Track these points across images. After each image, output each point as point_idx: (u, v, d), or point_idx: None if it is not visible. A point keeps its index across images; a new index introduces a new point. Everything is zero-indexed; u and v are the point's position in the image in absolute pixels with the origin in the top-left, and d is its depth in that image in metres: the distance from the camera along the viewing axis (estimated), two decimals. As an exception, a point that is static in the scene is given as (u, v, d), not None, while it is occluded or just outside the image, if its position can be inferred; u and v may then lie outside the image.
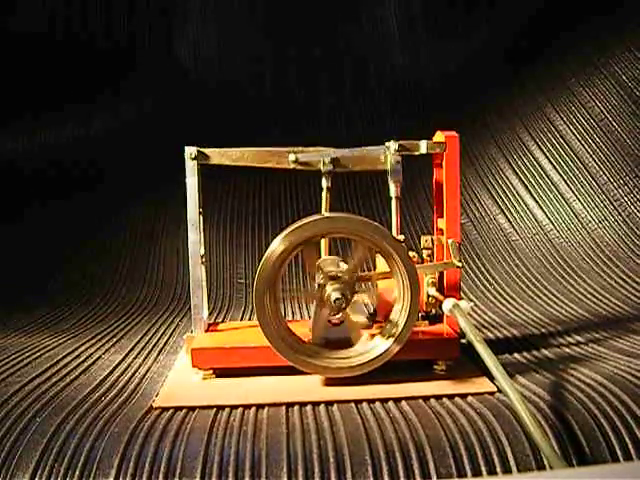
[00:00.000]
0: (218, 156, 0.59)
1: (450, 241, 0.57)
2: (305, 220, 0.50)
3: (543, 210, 1.09)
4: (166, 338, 0.75)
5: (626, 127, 1.08)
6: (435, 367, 0.55)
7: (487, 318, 0.79)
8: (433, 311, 0.60)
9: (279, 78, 1.45)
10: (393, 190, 0.58)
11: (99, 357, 0.65)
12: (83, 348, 0.69)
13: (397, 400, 0.49)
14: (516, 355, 0.61)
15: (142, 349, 0.69)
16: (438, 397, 0.49)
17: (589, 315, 0.77)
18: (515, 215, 1.12)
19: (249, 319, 0.86)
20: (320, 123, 1.40)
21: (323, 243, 0.58)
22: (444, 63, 1.43)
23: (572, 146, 1.12)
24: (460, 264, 0.57)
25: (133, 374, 0.59)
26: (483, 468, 0.41)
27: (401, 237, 0.56)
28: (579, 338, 0.66)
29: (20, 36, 1.32)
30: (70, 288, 1.06)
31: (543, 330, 0.72)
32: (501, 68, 1.33)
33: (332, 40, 1.46)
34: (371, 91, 1.46)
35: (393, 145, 0.58)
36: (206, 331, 0.61)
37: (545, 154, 1.15)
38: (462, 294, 0.62)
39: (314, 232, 0.50)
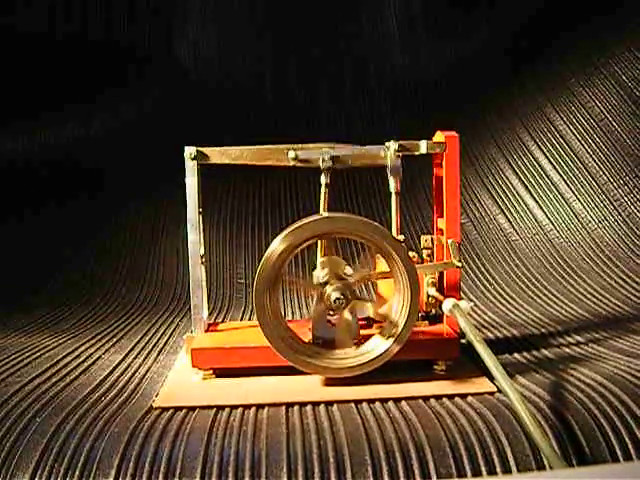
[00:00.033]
0: (218, 155, 0.59)
1: (450, 241, 0.57)
2: (305, 220, 0.50)
3: (543, 210, 1.09)
4: (166, 338, 0.75)
5: (626, 127, 1.08)
6: (435, 367, 0.55)
7: (487, 318, 0.79)
8: (433, 311, 0.60)
9: (279, 78, 1.45)
10: (393, 185, 0.58)
11: (99, 357, 0.65)
12: (83, 348, 0.69)
13: (397, 400, 0.49)
14: (516, 355, 0.61)
15: (142, 349, 0.69)
16: (438, 397, 0.49)
17: (589, 315, 0.77)
18: (515, 215, 1.12)
19: (249, 319, 0.86)
20: (320, 123, 1.40)
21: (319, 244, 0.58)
22: (444, 63, 1.43)
23: (572, 146, 1.12)
24: (460, 264, 0.57)
25: (133, 374, 0.59)
26: (483, 468, 0.41)
27: (401, 237, 0.56)
28: (579, 338, 0.66)
29: (20, 36, 1.32)
30: (70, 288, 1.06)
31: (543, 330, 0.72)
32: (501, 68, 1.33)
33: (332, 40, 1.46)
34: (371, 91, 1.45)
35: (393, 145, 0.58)
36: (206, 331, 0.61)
37: (545, 154, 1.15)
38: (462, 294, 0.62)
39: (314, 232, 0.50)
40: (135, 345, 0.71)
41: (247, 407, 0.49)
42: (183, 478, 0.40)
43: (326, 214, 0.53)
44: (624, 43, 1.15)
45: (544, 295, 0.89)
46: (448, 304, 0.52)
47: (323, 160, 0.58)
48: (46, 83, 1.31)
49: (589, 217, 1.04)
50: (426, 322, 0.60)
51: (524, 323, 0.75)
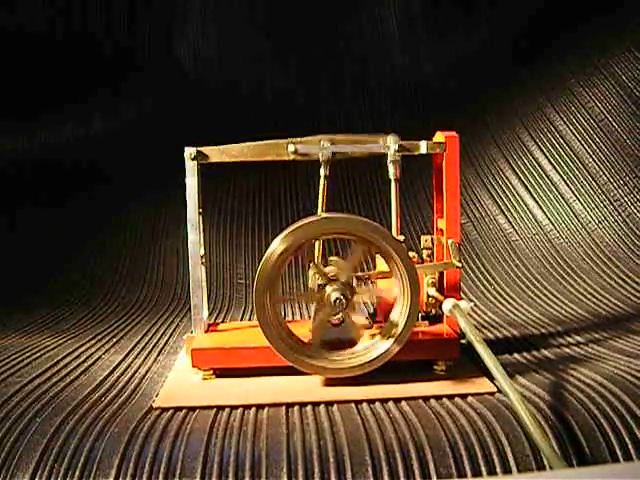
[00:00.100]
0: (218, 154, 0.59)
1: (450, 241, 0.57)
2: (305, 220, 0.50)
3: (543, 210, 1.09)
4: (166, 338, 0.75)
5: (626, 127, 1.08)
6: (435, 367, 0.55)
7: (487, 318, 0.79)
8: (433, 311, 0.60)
9: (279, 78, 1.45)
10: (392, 172, 0.58)
11: (99, 357, 0.65)
12: (83, 348, 0.69)
13: (397, 400, 0.49)
14: (516, 355, 0.61)
15: (142, 349, 0.69)
16: (438, 397, 0.49)
17: (589, 315, 0.77)
18: (515, 215, 1.12)
19: (249, 319, 0.86)
20: (320, 123, 1.40)
21: (317, 244, 0.58)
22: (444, 63, 1.43)
23: (572, 146, 1.12)
24: (460, 264, 0.57)
25: (133, 374, 0.59)
26: (483, 468, 0.41)
27: (401, 237, 0.56)
28: (579, 338, 0.66)
29: (20, 36, 1.32)
30: (70, 288, 1.06)
31: (543, 330, 0.72)
32: (501, 68, 1.33)
33: (332, 40, 1.46)
34: (371, 91, 1.45)
35: (393, 145, 0.58)
36: (206, 331, 0.61)
37: (545, 154, 1.15)
38: (462, 294, 0.62)
39: (314, 232, 0.50)
40: (135, 345, 0.71)
41: (247, 407, 0.49)
42: (183, 478, 0.40)
43: (326, 214, 0.53)
44: (624, 43, 1.15)
45: (544, 295, 0.89)
46: (448, 304, 0.52)
47: (323, 148, 0.58)
48: (46, 83, 1.31)
49: (589, 217, 1.04)
50: (426, 322, 0.60)
51: (524, 323, 0.75)
